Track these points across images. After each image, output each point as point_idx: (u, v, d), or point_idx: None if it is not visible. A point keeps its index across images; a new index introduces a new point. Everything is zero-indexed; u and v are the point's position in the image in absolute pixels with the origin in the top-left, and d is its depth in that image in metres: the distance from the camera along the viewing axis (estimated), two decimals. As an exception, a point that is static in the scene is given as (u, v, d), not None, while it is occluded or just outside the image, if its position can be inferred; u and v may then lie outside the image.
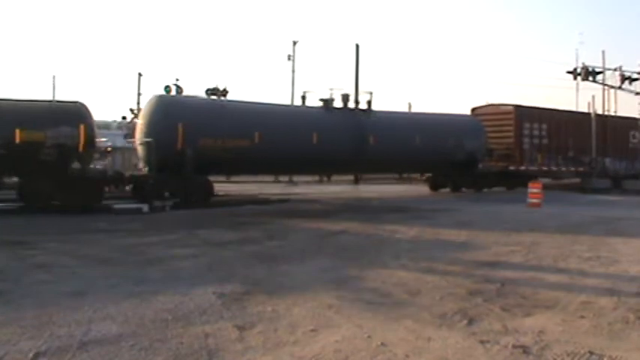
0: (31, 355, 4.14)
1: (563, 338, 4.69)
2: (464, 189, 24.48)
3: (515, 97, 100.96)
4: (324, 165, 20.77)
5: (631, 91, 31.98)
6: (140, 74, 38.46)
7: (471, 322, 5.13)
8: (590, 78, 31.25)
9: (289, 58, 39.28)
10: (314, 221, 13.56)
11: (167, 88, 17.27)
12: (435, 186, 25.44)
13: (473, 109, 28.02)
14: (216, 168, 17.88)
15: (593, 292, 6.34)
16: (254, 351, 4.32)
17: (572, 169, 27.94)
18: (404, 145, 21.32)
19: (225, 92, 18.29)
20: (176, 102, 17.41)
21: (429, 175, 26.06)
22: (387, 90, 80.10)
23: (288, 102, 31.27)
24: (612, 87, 31.92)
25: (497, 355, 4.30)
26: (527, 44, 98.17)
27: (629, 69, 31.72)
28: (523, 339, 4.64)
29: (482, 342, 4.56)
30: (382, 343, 4.49)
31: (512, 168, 25.55)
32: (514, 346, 4.45)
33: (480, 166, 24.44)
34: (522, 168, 25.35)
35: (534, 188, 18.18)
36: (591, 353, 4.33)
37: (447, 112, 29.30)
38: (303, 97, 20.85)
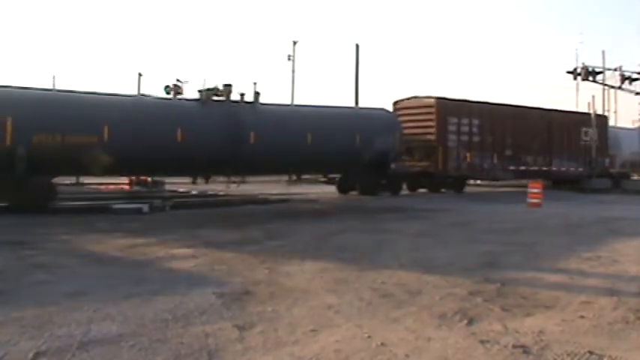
0: (31, 355, 4.14)
1: (563, 338, 4.70)
2: (378, 192, 21.47)
3: (516, 97, 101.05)
4: (192, 165, 17.90)
5: (631, 91, 32.07)
6: (140, 74, 38.45)
7: (471, 322, 5.13)
8: (590, 78, 31.32)
9: (289, 58, 39.32)
10: (314, 221, 13.56)
11: (167, 88, 17.24)
12: (343, 188, 22.51)
13: (395, 103, 25.26)
14: (59, 168, 15.59)
15: (593, 292, 6.34)
16: (254, 351, 4.32)
17: (512, 167, 25.40)
18: (293, 143, 18.53)
19: (225, 92, 18.25)
20: (3, 93, 15.03)
21: (339, 176, 22.99)
22: (387, 90, 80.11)
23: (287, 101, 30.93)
24: (612, 87, 32.00)
25: (497, 355, 4.30)
26: (528, 44, 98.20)
27: (629, 69, 31.80)
28: (523, 339, 4.64)
29: (482, 342, 4.56)
30: (382, 343, 4.49)
31: (430, 169, 23.25)
32: (514, 346, 4.45)
33: (393, 166, 21.70)
34: (444, 168, 22.90)
35: (534, 188, 18.19)
36: (591, 353, 4.33)
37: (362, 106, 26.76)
38: (166, 87, 17.88)
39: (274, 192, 22.13)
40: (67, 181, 23.78)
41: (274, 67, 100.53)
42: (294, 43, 39.75)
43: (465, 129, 23.79)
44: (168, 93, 17.24)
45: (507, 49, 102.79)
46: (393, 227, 12.28)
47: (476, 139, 24.08)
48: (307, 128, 18.99)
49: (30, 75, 77.25)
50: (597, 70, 31.42)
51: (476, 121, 24.02)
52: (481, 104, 24.78)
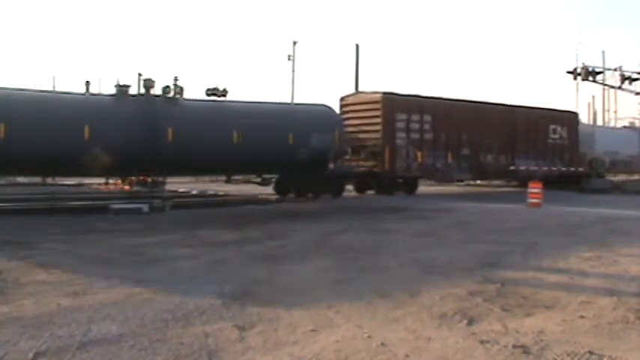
0: (31, 355, 4.14)
1: (563, 338, 4.70)
2: (319, 194, 19.61)
3: (515, 96, 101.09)
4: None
5: (631, 91, 32.07)
6: (140, 74, 38.38)
7: (471, 322, 5.13)
8: (590, 78, 31.32)
9: (289, 58, 39.24)
10: (314, 221, 13.56)
11: (167, 89, 17.21)
12: (280, 189, 20.50)
13: (341, 99, 23.45)
14: None
15: (593, 292, 6.34)
16: (254, 351, 4.32)
17: (470, 167, 23.52)
18: (217, 141, 16.98)
19: (225, 92, 18.25)
20: None
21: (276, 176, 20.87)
22: (387, 89, 79.86)
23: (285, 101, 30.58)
24: (612, 87, 32.00)
25: (497, 355, 4.30)
26: (528, 44, 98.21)
27: (629, 69, 31.81)
28: (523, 339, 4.64)
29: (482, 342, 4.56)
30: (382, 343, 4.49)
31: (376, 169, 21.47)
32: (514, 346, 4.45)
33: (332, 166, 19.95)
34: (391, 168, 20.95)
35: (535, 188, 18.19)
36: (591, 353, 4.33)
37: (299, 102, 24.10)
38: (87, 83, 16.89)
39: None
40: (68, 182, 23.81)
41: (274, 67, 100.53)
42: (294, 43, 39.70)
43: (416, 126, 21.88)
44: (167, 93, 17.13)
45: (507, 49, 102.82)
46: (394, 227, 12.27)
47: (428, 136, 22.17)
48: (233, 125, 17.38)
49: (30, 75, 77.26)
50: (597, 70, 31.43)
51: (428, 118, 22.12)
52: (434, 100, 22.91)
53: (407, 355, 4.26)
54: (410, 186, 22.81)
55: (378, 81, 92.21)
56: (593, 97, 32.81)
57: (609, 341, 4.65)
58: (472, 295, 6.14)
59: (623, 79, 31.47)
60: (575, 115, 29.03)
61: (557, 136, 27.00)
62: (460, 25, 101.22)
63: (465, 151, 23.42)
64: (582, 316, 5.36)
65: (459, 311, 5.45)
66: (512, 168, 25.33)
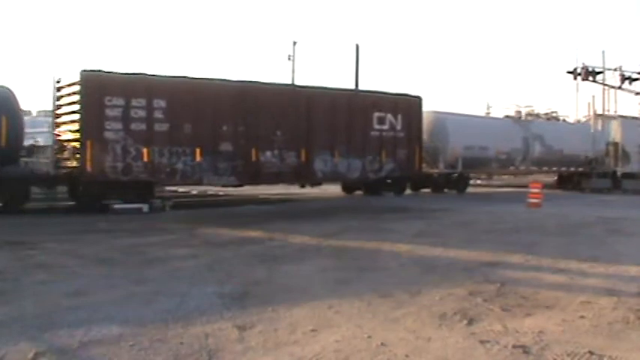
0: (31, 355, 4.14)
1: (563, 338, 4.70)
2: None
3: (515, 97, 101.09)
4: None
5: (631, 91, 32.05)
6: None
7: (471, 322, 5.13)
8: (590, 78, 31.31)
9: (289, 58, 39.22)
10: (314, 221, 13.56)
11: None
12: None
13: (57, 81, 16.96)
14: None
15: (593, 292, 6.34)
16: (254, 351, 4.32)
17: (234, 168, 17.43)
18: None
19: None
20: None
21: None
22: (387, 89, 79.96)
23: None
24: (612, 87, 31.98)
25: (497, 355, 4.30)
26: (527, 44, 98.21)
27: (629, 69, 31.80)
28: (523, 339, 4.64)
29: (482, 342, 4.56)
30: (382, 343, 4.49)
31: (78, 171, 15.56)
32: (514, 346, 4.45)
33: None
34: (93, 168, 15.22)
35: (534, 188, 18.21)
36: (591, 353, 4.33)
37: None
38: None
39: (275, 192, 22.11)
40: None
41: (274, 67, 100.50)
42: (294, 43, 39.68)
43: (141, 114, 16.12)
44: None
45: (507, 49, 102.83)
46: (394, 227, 12.26)
47: (161, 128, 16.39)
48: None
49: (30, 75, 77.24)
50: (597, 70, 31.42)
51: (162, 103, 16.37)
52: (171, 79, 16.95)
53: (407, 355, 4.26)
54: (145, 194, 16.12)
55: (378, 81, 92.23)
56: (593, 97, 32.60)
57: (609, 341, 4.65)
58: (472, 295, 6.14)
59: (623, 79, 31.46)
60: (415, 100, 21.95)
61: (386, 127, 20.67)
62: (460, 26, 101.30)
63: (226, 147, 17.43)
64: (582, 316, 5.36)
65: (459, 311, 5.45)
66: (306, 169, 18.94)
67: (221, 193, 21.63)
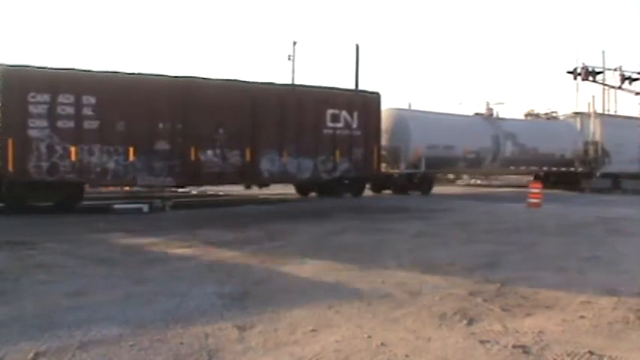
0: (31, 355, 4.14)
1: (563, 338, 4.70)
2: None
3: (515, 96, 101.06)
4: None
5: (631, 91, 32.10)
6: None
7: (471, 322, 5.13)
8: (590, 78, 31.35)
9: (289, 58, 39.24)
10: (314, 221, 13.56)
11: None
12: None
13: None
14: None
15: (593, 292, 6.34)
16: (254, 351, 4.32)
17: (171, 167, 16.63)
18: None
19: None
20: None
21: None
22: (387, 90, 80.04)
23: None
24: (612, 87, 32.03)
25: (497, 355, 4.30)
26: (528, 44, 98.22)
27: (629, 69, 31.84)
28: (523, 339, 4.64)
29: (482, 342, 4.56)
30: (382, 343, 4.49)
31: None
32: (514, 346, 4.45)
33: None
34: (16, 168, 14.66)
35: (534, 188, 18.24)
36: (591, 353, 4.33)
37: None
38: None
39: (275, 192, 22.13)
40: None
41: (274, 67, 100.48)
42: (294, 43, 39.69)
43: (69, 111, 15.44)
44: None
45: (507, 49, 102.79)
46: (394, 227, 12.27)
47: (91, 125, 15.66)
48: None
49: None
50: (597, 70, 31.46)
51: (91, 100, 15.67)
52: (102, 74, 16.12)
53: (407, 355, 4.26)
54: (71, 198, 15.94)
55: (379, 81, 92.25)
56: (593, 97, 32.69)
57: (609, 341, 4.65)
58: (472, 295, 6.14)
59: (623, 79, 31.51)
60: (373, 96, 20.83)
61: (340, 125, 19.65)
62: (460, 26, 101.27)
63: (162, 146, 16.67)
64: (582, 316, 5.36)
65: (459, 311, 5.45)
66: (251, 169, 18.10)
67: (221, 193, 21.65)
